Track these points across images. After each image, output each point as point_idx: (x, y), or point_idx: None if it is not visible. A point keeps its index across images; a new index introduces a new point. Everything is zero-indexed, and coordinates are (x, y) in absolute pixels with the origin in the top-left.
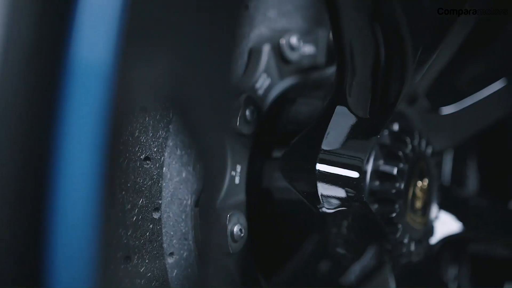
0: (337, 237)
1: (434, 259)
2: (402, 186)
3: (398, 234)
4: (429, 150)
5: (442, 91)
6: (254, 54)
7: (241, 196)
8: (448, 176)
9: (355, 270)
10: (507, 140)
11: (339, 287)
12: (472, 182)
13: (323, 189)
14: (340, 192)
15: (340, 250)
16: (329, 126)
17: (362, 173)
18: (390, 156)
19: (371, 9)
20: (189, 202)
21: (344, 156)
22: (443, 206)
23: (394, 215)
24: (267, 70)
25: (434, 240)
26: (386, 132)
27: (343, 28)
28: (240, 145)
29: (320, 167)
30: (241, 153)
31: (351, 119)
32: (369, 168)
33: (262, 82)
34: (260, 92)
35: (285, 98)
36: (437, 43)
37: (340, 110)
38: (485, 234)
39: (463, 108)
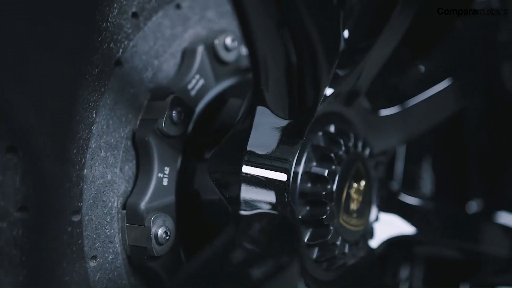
0: (248, 234)
1: (378, 261)
2: (334, 188)
3: (329, 236)
4: (367, 151)
5: (386, 93)
6: (187, 54)
7: (169, 198)
8: (398, 178)
9: (263, 267)
10: (463, 143)
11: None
12: (426, 184)
13: (249, 191)
14: (267, 195)
15: (250, 246)
16: (252, 127)
17: (290, 175)
18: (323, 157)
19: (277, 15)
20: (115, 204)
21: (271, 158)
22: (386, 208)
23: (324, 217)
24: (200, 71)
25: (375, 242)
26: (320, 133)
27: (252, 33)
28: (168, 147)
29: (245, 169)
30: (169, 154)
31: (274, 120)
32: (300, 169)
33: (195, 83)
34: (193, 93)
35: (219, 99)
36: (370, 44)
37: (261, 110)
38: (430, 236)
39: (404, 109)
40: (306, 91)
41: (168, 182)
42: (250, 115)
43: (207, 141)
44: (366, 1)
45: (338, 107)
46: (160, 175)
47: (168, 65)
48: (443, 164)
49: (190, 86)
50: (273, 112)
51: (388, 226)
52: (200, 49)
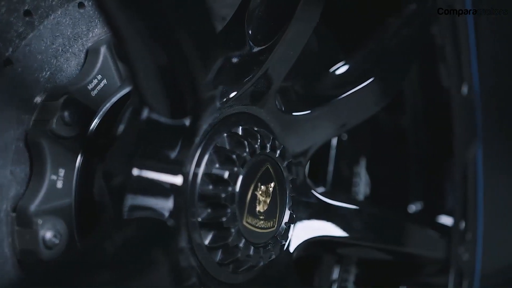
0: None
1: (296, 262)
2: (236, 190)
3: (230, 239)
4: (279, 153)
5: (305, 94)
6: (90, 54)
7: (64, 201)
8: (329, 179)
9: (134, 264)
10: (402, 144)
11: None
12: (362, 186)
13: (137, 195)
14: (157, 199)
15: (121, 250)
16: (141, 128)
17: (187, 177)
18: (225, 159)
19: (141, 24)
20: (4, 207)
21: (165, 160)
22: (305, 210)
23: (224, 219)
24: (102, 71)
25: (293, 243)
26: (225, 134)
27: (120, 39)
28: (62, 148)
29: (136, 172)
30: (65, 156)
31: (163, 121)
32: (200, 171)
33: (96, 83)
34: (94, 93)
35: (125, 99)
36: (274, 43)
37: (145, 111)
38: (353, 238)
39: (322, 109)
40: (183, 92)
41: (63, 184)
42: (135, 115)
43: (108, 141)
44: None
45: (245, 108)
46: (54, 177)
47: (69, 65)
48: (382, 166)
49: (90, 86)
50: (157, 113)
51: (307, 228)
52: (103, 49)
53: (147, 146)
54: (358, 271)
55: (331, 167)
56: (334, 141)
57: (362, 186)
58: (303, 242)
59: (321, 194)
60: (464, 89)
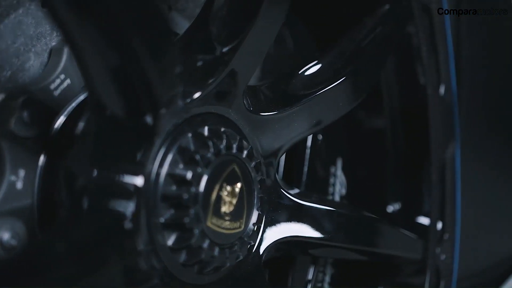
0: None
1: (267, 263)
2: (199, 190)
3: (194, 240)
4: (246, 153)
5: (276, 94)
6: (54, 53)
7: (24, 202)
8: (303, 179)
9: (95, 264)
10: (380, 145)
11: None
12: (338, 187)
13: (96, 197)
14: (116, 201)
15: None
16: (99, 129)
17: (149, 178)
18: (189, 160)
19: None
20: None
21: (127, 160)
22: (275, 210)
23: (187, 220)
24: (66, 71)
25: (263, 244)
26: (189, 135)
27: (69, 35)
28: (22, 149)
29: (97, 172)
30: (25, 156)
31: (123, 122)
32: (163, 172)
33: (59, 83)
34: (56, 93)
35: (87, 99)
36: (238, 43)
37: (106, 113)
38: (324, 239)
39: (289, 108)
40: (143, 93)
41: (23, 185)
42: (95, 116)
43: (70, 142)
44: None
45: (212, 108)
46: (13, 178)
47: (32, 64)
48: (359, 167)
49: (53, 86)
50: (117, 113)
51: (277, 229)
52: (67, 48)
53: (108, 146)
54: (334, 271)
55: (306, 168)
56: (309, 141)
57: (338, 186)
58: (274, 242)
59: (294, 194)
60: (442, 90)
